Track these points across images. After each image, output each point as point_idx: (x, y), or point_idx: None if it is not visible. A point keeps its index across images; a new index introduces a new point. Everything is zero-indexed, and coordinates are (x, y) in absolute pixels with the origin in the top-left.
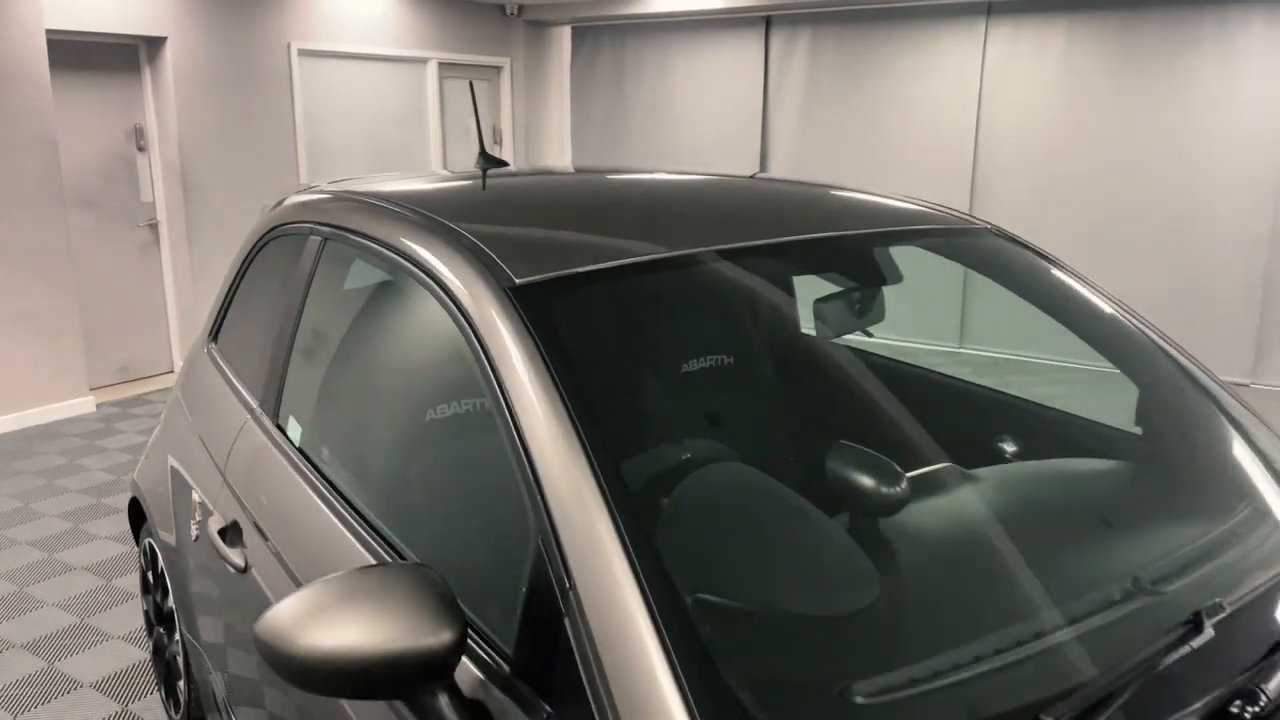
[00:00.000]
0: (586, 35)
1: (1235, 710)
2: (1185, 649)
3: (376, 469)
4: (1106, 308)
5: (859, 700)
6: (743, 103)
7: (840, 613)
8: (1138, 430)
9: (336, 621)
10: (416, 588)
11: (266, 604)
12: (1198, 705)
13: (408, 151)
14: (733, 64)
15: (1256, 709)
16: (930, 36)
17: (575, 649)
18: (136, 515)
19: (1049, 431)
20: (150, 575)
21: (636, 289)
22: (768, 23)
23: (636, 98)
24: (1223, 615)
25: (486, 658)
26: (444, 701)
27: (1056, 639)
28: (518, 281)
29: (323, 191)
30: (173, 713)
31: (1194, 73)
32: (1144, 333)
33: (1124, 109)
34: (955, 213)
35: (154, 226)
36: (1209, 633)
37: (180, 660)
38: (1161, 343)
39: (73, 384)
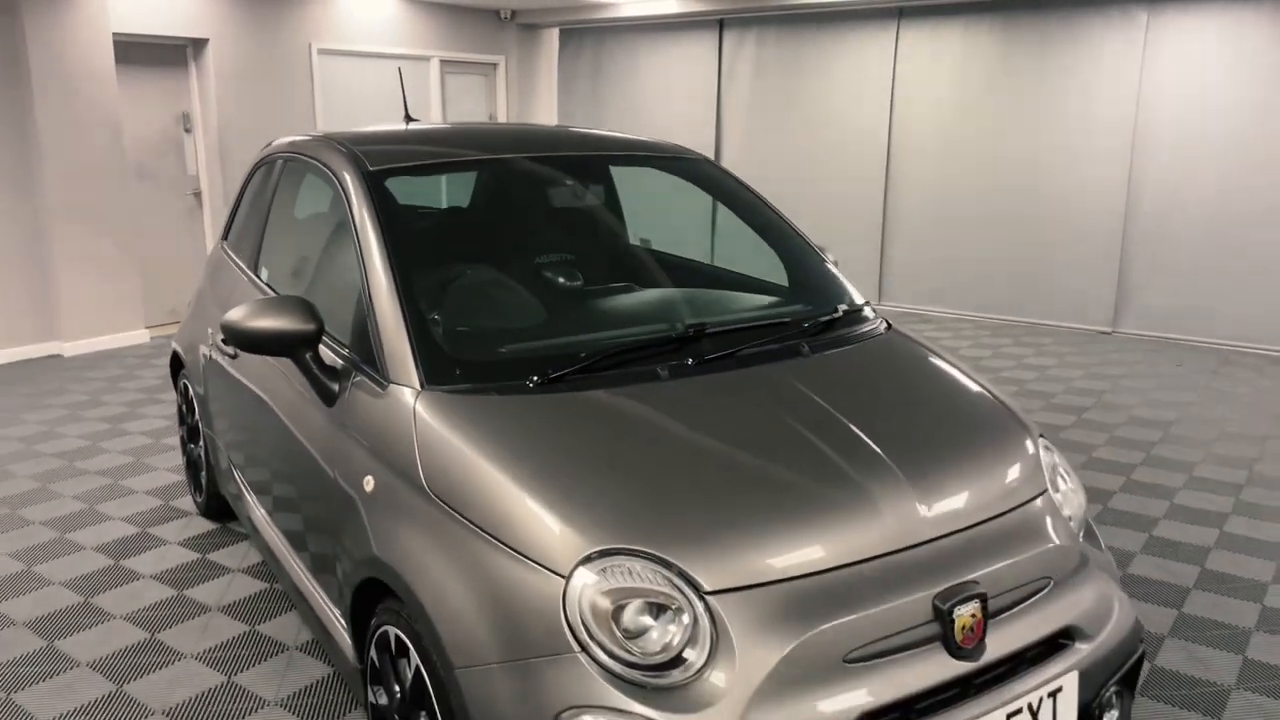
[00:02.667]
0: (572, 36)
1: (693, 362)
2: (677, 341)
3: (295, 271)
4: (771, 211)
5: (503, 350)
6: (700, 93)
7: (517, 327)
8: (786, 284)
9: (260, 316)
10: (299, 304)
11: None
12: (688, 362)
13: None
14: (692, 60)
15: (705, 359)
16: (853, 37)
17: (370, 332)
18: (176, 366)
19: (734, 284)
20: (184, 406)
21: (448, 176)
22: (721, 25)
23: (613, 91)
24: (708, 330)
25: (339, 348)
26: (309, 357)
27: (621, 336)
28: (371, 169)
29: (293, 136)
30: (197, 498)
31: (1063, 67)
32: (794, 227)
33: (1007, 98)
34: (683, 149)
35: (198, 195)
36: (693, 336)
37: (202, 455)
38: (803, 234)
39: (131, 319)
